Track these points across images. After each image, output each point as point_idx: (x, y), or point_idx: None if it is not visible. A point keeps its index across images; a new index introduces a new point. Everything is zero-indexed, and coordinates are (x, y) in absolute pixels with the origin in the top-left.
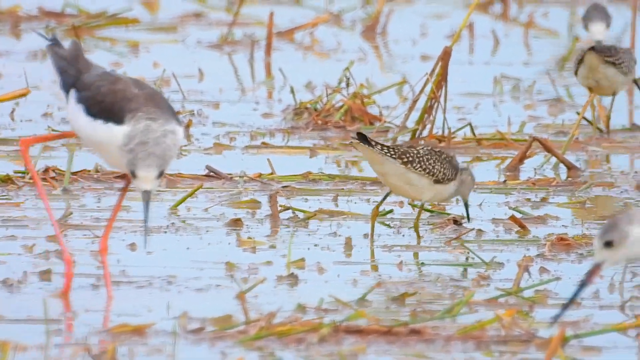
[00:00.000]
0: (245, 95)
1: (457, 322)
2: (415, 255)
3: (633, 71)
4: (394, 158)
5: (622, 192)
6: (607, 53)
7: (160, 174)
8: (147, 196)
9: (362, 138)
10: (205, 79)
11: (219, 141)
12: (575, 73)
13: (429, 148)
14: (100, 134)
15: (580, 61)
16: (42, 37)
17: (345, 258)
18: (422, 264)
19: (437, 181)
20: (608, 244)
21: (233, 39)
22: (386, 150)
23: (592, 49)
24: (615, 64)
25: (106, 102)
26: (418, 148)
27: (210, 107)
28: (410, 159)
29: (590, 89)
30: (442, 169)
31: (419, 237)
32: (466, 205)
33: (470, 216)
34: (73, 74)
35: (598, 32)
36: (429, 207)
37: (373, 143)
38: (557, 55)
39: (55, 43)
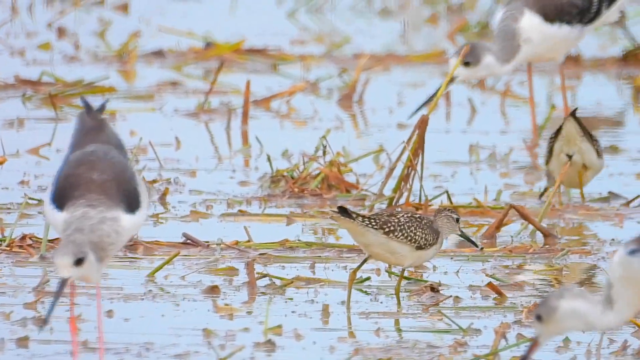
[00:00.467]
0: (222, 163)
1: None
2: (397, 322)
3: (603, 159)
4: (376, 229)
5: (598, 259)
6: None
7: (79, 262)
8: (60, 285)
9: (343, 211)
10: (182, 147)
11: (195, 209)
12: (547, 163)
13: (409, 215)
14: (49, 218)
15: (552, 146)
16: (84, 104)
17: (322, 325)
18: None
19: (419, 247)
20: (538, 318)
21: (210, 107)
22: (367, 222)
23: (573, 114)
24: (592, 138)
25: (59, 187)
26: (399, 216)
27: (187, 175)
28: (392, 228)
29: (561, 181)
30: (423, 235)
31: (399, 303)
32: (464, 236)
33: (473, 241)
34: (69, 150)
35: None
36: (406, 274)
37: (354, 215)
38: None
39: (88, 110)
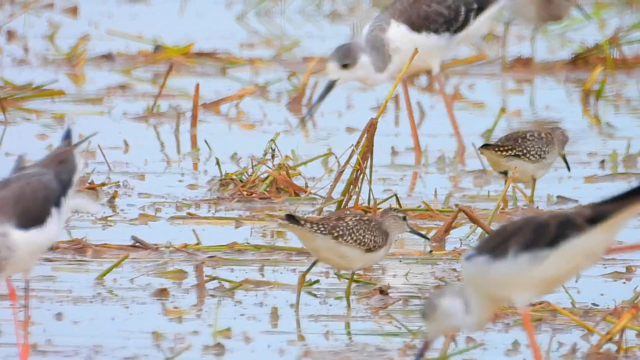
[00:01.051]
0: (171, 166)
1: None
2: (346, 325)
3: (552, 155)
4: (324, 234)
5: None
6: (504, 146)
7: None
8: None
9: (290, 218)
10: (131, 151)
11: (144, 212)
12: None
13: (357, 217)
14: None
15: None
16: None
17: (271, 328)
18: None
19: (368, 250)
20: (424, 316)
21: (159, 110)
22: (316, 227)
23: (485, 146)
24: (519, 155)
25: None
26: (347, 219)
27: (136, 179)
28: (341, 232)
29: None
30: (372, 237)
31: (349, 306)
32: (414, 232)
33: (423, 235)
34: None
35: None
36: (355, 277)
37: (302, 222)
38: (482, 127)
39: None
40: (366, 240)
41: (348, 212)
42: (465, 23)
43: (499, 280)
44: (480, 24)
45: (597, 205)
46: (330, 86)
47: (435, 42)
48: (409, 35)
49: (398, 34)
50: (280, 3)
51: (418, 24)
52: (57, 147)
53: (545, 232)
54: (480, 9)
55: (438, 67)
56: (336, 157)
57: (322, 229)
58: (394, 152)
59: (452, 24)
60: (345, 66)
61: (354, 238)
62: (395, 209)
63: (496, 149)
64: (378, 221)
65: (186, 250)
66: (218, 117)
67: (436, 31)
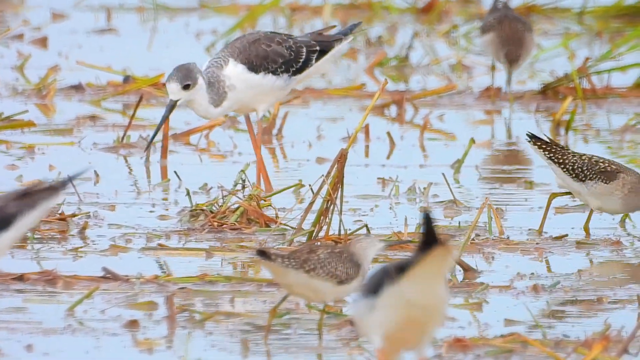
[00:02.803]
0: (141, 197)
1: None
2: (318, 357)
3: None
4: (296, 268)
5: (518, 293)
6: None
7: None
8: None
9: (262, 254)
10: (101, 181)
11: (115, 243)
12: None
13: (329, 250)
14: None
15: None
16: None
17: (242, 359)
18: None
19: (340, 282)
20: None
21: (129, 141)
22: (287, 262)
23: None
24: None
25: None
26: (318, 252)
27: (106, 209)
28: (312, 266)
29: None
30: (345, 270)
31: (321, 337)
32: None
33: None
34: None
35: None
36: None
37: (273, 257)
38: (453, 157)
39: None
40: (338, 273)
41: (319, 243)
42: (305, 65)
43: (359, 322)
44: (321, 65)
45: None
46: (172, 107)
47: (272, 83)
48: (246, 74)
49: (234, 72)
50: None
51: (256, 64)
52: (43, 184)
53: (378, 279)
54: (322, 52)
55: (263, 111)
56: (310, 187)
57: (294, 263)
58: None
59: (292, 65)
60: (186, 87)
61: (326, 271)
62: (359, 237)
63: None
64: (350, 252)
65: (157, 281)
66: (188, 147)
67: (274, 72)
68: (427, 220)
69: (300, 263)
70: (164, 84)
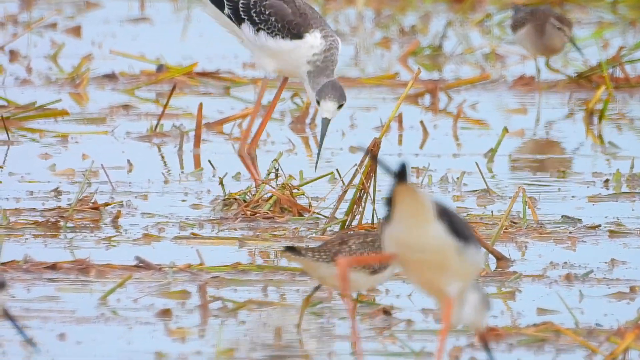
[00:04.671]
0: (174, 186)
1: None
2: (353, 345)
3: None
4: (327, 262)
5: (551, 282)
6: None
7: None
8: None
9: (291, 250)
10: (134, 170)
11: (148, 232)
12: None
13: (361, 240)
14: None
15: None
16: None
17: (275, 348)
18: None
19: (373, 272)
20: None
21: (162, 130)
22: (318, 256)
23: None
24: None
25: None
26: (350, 243)
27: (139, 198)
28: None
29: None
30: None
31: (354, 327)
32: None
33: (398, 303)
34: None
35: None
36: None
37: (303, 252)
38: (486, 146)
39: None
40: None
41: (351, 232)
42: None
43: None
44: None
45: None
46: (328, 125)
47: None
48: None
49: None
50: None
51: None
52: None
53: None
54: None
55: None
56: (340, 177)
57: (325, 256)
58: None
59: None
60: (340, 107)
61: None
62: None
63: None
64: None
65: (190, 270)
66: (221, 136)
67: None
68: (401, 170)
69: (332, 256)
70: (201, 74)
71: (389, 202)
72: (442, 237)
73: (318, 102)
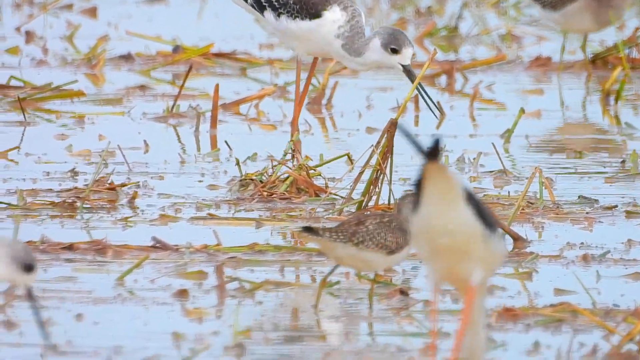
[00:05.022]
0: (191, 167)
1: None
2: (367, 326)
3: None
4: (344, 242)
5: (568, 263)
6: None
7: None
8: None
9: (308, 230)
10: (151, 151)
11: (164, 212)
12: None
13: (377, 220)
14: None
15: None
16: None
17: (291, 329)
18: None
19: (390, 252)
20: None
21: (178, 111)
22: (335, 236)
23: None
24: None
25: None
26: (367, 223)
27: (155, 179)
28: (361, 238)
29: None
30: (394, 239)
31: (371, 307)
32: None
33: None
34: None
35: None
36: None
37: (320, 232)
38: (502, 127)
39: None
40: (388, 243)
41: (368, 212)
42: None
43: None
44: None
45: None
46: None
47: None
48: None
49: None
50: None
51: None
52: None
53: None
54: None
55: None
56: (350, 159)
57: (342, 236)
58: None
59: None
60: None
61: (376, 242)
62: (407, 195)
63: None
64: (399, 220)
65: (206, 251)
66: (238, 117)
67: None
68: (434, 146)
69: (349, 236)
70: (218, 55)
71: (418, 184)
72: (469, 221)
73: (395, 51)
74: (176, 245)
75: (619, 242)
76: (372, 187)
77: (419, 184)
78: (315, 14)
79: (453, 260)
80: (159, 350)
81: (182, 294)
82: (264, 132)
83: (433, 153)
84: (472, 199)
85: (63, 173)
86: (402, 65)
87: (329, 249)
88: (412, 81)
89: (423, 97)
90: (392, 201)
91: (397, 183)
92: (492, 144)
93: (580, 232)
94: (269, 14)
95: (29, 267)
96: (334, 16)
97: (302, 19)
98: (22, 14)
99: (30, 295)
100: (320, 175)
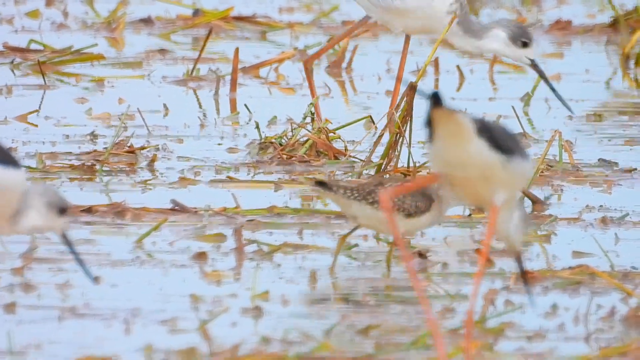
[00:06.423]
0: (210, 130)
1: (422, 355)
2: (385, 288)
3: None
4: (359, 200)
5: (587, 225)
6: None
7: None
8: None
9: (322, 185)
10: (170, 114)
11: (184, 175)
12: None
13: (397, 183)
14: None
15: None
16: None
17: (310, 291)
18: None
19: (408, 215)
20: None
21: (198, 74)
22: (350, 193)
23: None
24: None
25: None
26: (386, 184)
27: (175, 142)
28: (377, 198)
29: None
30: (413, 203)
31: (389, 270)
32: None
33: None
34: None
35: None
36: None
37: (334, 188)
38: (522, 90)
39: None
40: (406, 205)
41: (388, 176)
42: None
43: None
44: None
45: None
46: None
47: None
48: None
49: None
50: None
51: None
52: None
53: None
54: None
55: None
56: (373, 122)
57: (357, 195)
58: None
59: None
60: None
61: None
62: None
63: None
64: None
65: (225, 214)
66: (257, 81)
67: None
68: (435, 95)
69: (364, 195)
70: (237, 18)
71: (428, 123)
72: (484, 153)
73: (524, 45)
74: (195, 208)
75: (638, 205)
76: (391, 150)
77: (429, 125)
78: None
79: (474, 189)
80: (176, 313)
81: (201, 256)
82: (283, 96)
83: (436, 100)
84: (485, 129)
85: (82, 136)
86: (530, 60)
87: (344, 206)
88: (541, 76)
89: (555, 93)
90: (411, 164)
91: (417, 146)
92: (512, 107)
93: (600, 194)
94: None
95: (64, 211)
96: None
97: None
98: None
99: (66, 239)
100: (339, 138)
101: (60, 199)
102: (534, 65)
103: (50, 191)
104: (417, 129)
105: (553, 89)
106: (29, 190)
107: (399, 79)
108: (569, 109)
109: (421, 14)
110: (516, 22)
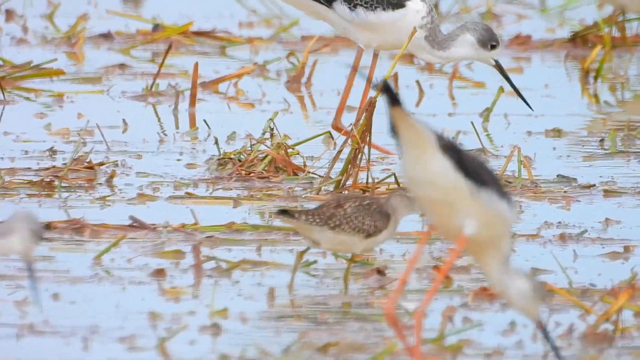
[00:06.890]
0: (169, 145)
1: None
2: (343, 305)
3: None
4: (321, 225)
5: (545, 242)
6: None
7: None
8: None
9: (284, 213)
10: (129, 130)
11: (142, 191)
12: None
13: (357, 203)
14: None
15: None
16: None
17: (268, 308)
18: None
19: (368, 236)
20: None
21: (157, 89)
22: (312, 219)
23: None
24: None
25: None
26: (345, 206)
27: (134, 158)
28: (338, 222)
29: None
30: (372, 223)
31: (346, 287)
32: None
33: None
34: None
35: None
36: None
37: (296, 215)
38: (481, 106)
39: None
40: (365, 226)
41: (347, 192)
42: None
43: None
44: None
45: None
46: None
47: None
48: None
49: None
50: None
51: None
52: None
53: None
54: None
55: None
56: (333, 139)
57: (318, 220)
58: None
59: None
60: None
61: (352, 226)
62: (401, 189)
63: None
64: (380, 204)
65: (184, 230)
66: (217, 96)
67: None
68: (386, 86)
69: (325, 219)
70: (197, 33)
71: (393, 130)
72: (447, 173)
73: (493, 47)
74: (154, 225)
75: (597, 221)
76: (350, 166)
77: (393, 130)
78: (397, 4)
79: (439, 211)
80: (135, 330)
81: (159, 273)
82: (242, 111)
83: (393, 97)
84: (452, 150)
85: (41, 152)
86: (495, 60)
87: (305, 231)
88: (504, 76)
89: (516, 91)
90: (369, 180)
91: (376, 162)
92: (471, 122)
93: (558, 211)
94: (340, 5)
95: (42, 239)
96: (416, 6)
97: (384, 9)
98: None
99: (31, 267)
100: (298, 154)
101: (41, 227)
102: (498, 65)
103: (33, 218)
104: (377, 143)
105: (514, 87)
106: (13, 214)
107: (366, 90)
108: (529, 106)
109: (393, 29)
110: (482, 24)
